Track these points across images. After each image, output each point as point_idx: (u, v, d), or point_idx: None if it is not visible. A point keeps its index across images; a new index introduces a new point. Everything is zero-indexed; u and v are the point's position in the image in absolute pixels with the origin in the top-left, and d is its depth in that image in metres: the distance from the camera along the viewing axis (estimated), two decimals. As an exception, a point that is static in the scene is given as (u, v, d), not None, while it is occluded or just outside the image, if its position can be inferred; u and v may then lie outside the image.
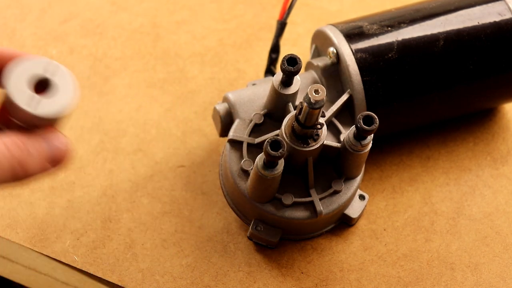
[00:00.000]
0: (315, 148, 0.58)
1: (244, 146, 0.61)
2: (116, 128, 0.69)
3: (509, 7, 0.65)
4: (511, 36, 0.65)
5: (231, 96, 0.63)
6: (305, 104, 0.54)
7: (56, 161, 0.42)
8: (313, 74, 0.65)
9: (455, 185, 0.68)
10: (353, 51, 0.62)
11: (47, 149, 0.42)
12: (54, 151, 0.42)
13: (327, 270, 0.62)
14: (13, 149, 0.40)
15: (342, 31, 0.64)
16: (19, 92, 0.42)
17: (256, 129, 0.62)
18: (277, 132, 0.61)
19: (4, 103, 0.42)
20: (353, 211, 0.63)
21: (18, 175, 0.40)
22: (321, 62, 0.65)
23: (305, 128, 0.57)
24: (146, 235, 0.63)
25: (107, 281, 0.61)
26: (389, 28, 0.63)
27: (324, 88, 0.54)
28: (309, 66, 0.67)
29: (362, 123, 0.56)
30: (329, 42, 0.64)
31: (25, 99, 0.42)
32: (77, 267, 0.62)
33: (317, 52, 0.68)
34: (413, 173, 0.68)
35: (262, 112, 0.62)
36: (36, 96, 0.42)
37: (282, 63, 0.58)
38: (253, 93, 0.64)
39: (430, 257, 0.64)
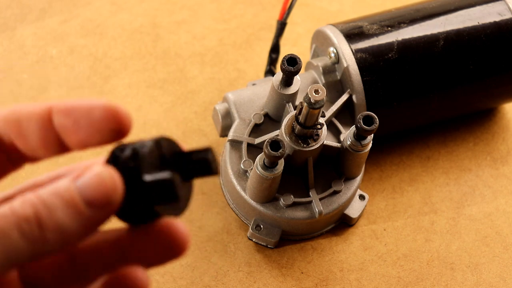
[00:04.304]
0: (315, 148, 0.58)
1: (244, 146, 0.61)
2: (116, 128, 0.69)
3: (509, 7, 0.65)
4: (511, 36, 0.65)
5: (231, 96, 0.63)
6: (305, 104, 0.54)
7: (94, 202, 0.31)
8: (313, 74, 0.65)
9: (455, 185, 0.68)
10: (353, 51, 0.62)
11: (78, 188, 0.31)
12: (87, 188, 0.31)
13: (327, 270, 0.62)
14: (17, 206, 0.30)
15: (342, 31, 0.64)
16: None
17: (256, 129, 0.62)
18: (277, 132, 0.61)
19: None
20: (353, 211, 0.63)
21: (32, 236, 0.30)
22: (321, 62, 0.65)
23: (305, 128, 0.57)
24: (146, 235, 0.63)
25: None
26: (389, 28, 0.63)
27: (324, 88, 0.54)
28: (309, 66, 0.67)
29: (362, 123, 0.56)
30: (329, 42, 0.64)
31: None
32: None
33: (317, 52, 0.68)
34: (413, 173, 0.68)
35: (262, 112, 0.62)
36: None
37: (282, 63, 0.58)
38: (253, 93, 0.64)
39: (430, 257, 0.64)
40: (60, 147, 0.34)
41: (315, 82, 0.65)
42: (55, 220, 0.30)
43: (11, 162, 0.35)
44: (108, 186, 0.31)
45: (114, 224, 0.35)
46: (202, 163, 0.33)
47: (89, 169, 0.31)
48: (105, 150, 0.36)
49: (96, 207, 0.31)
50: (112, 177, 0.31)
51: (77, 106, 0.33)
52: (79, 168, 0.33)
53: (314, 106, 0.54)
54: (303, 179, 0.61)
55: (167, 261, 0.34)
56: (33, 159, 0.35)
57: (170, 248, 0.34)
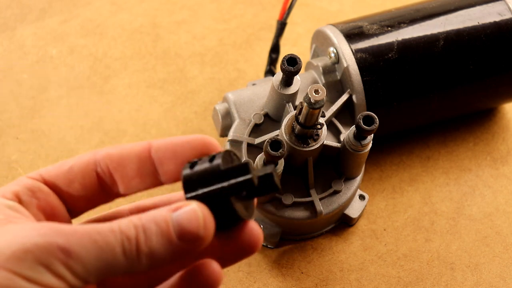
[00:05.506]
0: (315, 148, 0.58)
1: (244, 146, 0.61)
2: (116, 128, 0.69)
3: (509, 7, 0.65)
4: (511, 36, 0.65)
5: (231, 96, 0.63)
6: (305, 104, 0.54)
7: (185, 235, 0.34)
8: (313, 74, 0.65)
9: (455, 185, 0.68)
10: (353, 51, 0.62)
11: (173, 221, 0.34)
12: (182, 222, 0.34)
13: (327, 270, 0.62)
14: (124, 225, 0.34)
15: (342, 31, 0.64)
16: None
17: (256, 129, 0.62)
18: (277, 132, 0.61)
19: None
20: (353, 211, 0.63)
21: (131, 255, 0.33)
22: (321, 62, 0.65)
23: (305, 128, 0.57)
24: (146, 235, 0.63)
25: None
26: (389, 28, 0.63)
27: (324, 88, 0.54)
28: (309, 66, 0.67)
29: (362, 123, 0.56)
30: (329, 42, 0.64)
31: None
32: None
33: (317, 52, 0.68)
34: (413, 173, 0.68)
35: (262, 112, 0.62)
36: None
37: (282, 63, 0.58)
38: (253, 93, 0.64)
39: (430, 257, 0.64)
40: (154, 180, 0.39)
41: (315, 82, 0.65)
42: (149, 246, 0.34)
43: (105, 195, 0.39)
44: (200, 224, 0.34)
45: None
46: (267, 182, 0.36)
47: (187, 204, 0.35)
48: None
49: (186, 240, 0.34)
50: (205, 216, 0.34)
51: (175, 141, 0.38)
52: (179, 199, 0.37)
53: (314, 106, 0.54)
54: (303, 179, 0.61)
55: (242, 258, 0.38)
56: (125, 193, 0.40)
57: (245, 246, 0.37)
